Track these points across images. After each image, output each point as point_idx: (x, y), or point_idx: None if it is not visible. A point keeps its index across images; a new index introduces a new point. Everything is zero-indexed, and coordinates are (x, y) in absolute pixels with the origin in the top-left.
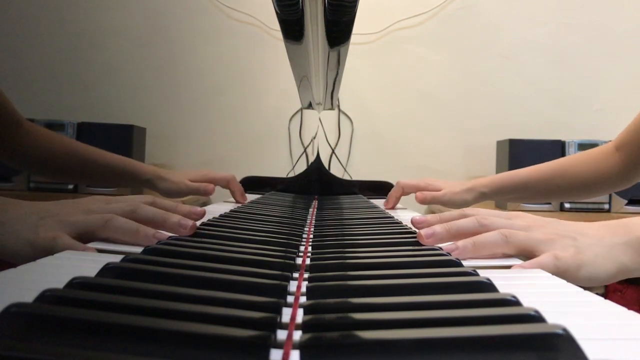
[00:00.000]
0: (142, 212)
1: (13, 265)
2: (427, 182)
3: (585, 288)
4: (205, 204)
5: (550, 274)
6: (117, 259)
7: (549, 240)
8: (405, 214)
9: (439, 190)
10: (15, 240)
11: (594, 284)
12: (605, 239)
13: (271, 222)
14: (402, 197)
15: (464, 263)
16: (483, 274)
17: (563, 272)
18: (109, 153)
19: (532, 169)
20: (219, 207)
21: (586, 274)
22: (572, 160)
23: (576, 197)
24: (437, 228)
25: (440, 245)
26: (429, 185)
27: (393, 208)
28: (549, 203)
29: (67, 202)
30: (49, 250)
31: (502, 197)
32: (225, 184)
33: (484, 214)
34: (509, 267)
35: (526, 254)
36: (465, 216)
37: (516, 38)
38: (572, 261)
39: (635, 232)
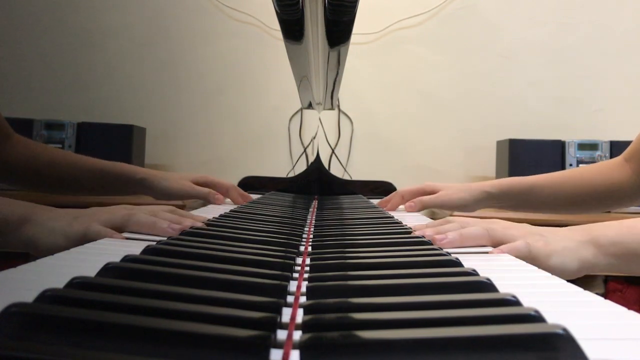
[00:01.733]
0: (162, 215)
1: (13, 265)
2: (427, 184)
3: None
4: (205, 204)
5: (549, 274)
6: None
7: (523, 235)
8: (406, 214)
9: (437, 192)
10: (50, 234)
11: (563, 274)
12: (570, 237)
13: (271, 222)
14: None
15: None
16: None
17: (534, 258)
18: (99, 159)
19: (541, 175)
20: (219, 207)
21: (556, 262)
22: (582, 168)
23: (585, 207)
24: (427, 231)
25: (430, 235)
26: (428, 187)
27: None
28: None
29: (97, 208)
30: (81, 237)
31: (508, 200)
32: (225, 192)
33: (465, 219)
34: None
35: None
36: (449, 222)
37: (516, 38)
38: (543, 250)
39: (594, 232)
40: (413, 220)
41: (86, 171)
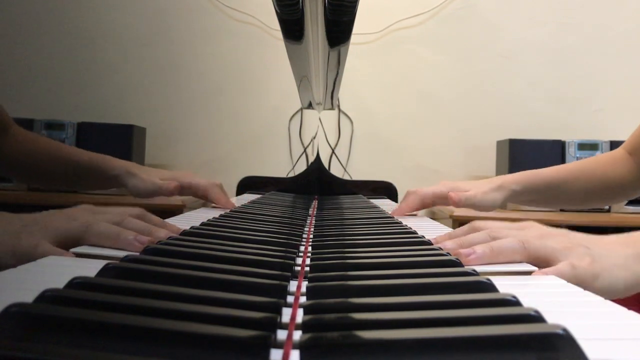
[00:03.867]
0: (128, 223)
1: (13, 265)
2: (448, 185)
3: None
4: (205, 205)
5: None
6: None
7: (565, 248)
8: (405, 215)
9: (466, 192)
10: None
11: (611, 295)
12: (619, 250)
13: (271, 222)
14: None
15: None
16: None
17: (580, 282)
18: (80, 150)
19: (555, 169)
20: (219, 208)
21: (603, 284)
22: (592, 162)
23: (598, 201)
24: (448, 244)
25: (454, 248)
26: (453, 189)
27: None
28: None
29: (54, 211)
30: (29, 257)
31: (527, 197)
32: (204, 192)
33: (495, 226)
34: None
35: (541, 262)
36: (475, 229)
37: (516, 38)
38: (589, 270)
39: None
40: (414, 222)
41: (64, 163)
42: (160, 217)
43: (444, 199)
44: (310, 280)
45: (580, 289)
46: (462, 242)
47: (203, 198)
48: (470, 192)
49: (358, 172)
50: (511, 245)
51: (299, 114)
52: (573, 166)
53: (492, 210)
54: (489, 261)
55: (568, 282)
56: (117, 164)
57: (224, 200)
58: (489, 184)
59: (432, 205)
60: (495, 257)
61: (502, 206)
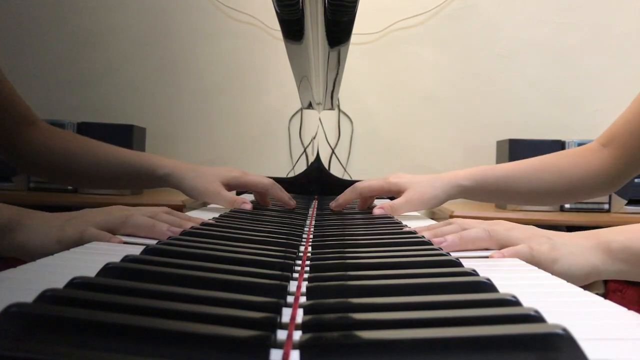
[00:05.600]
0: (161, 217)
1: (13, 265)
2: (389, 181)
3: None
4: (205, 205)
5: (549, 274)
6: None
7: (527, 238)
8: (406, 215)
9: (402, 191)
10: (44, 239)
11: (571, 281)
12: (578, 241)
13: (271, 222)
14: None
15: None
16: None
17: (538, 263)
18: (123, 150)
19: (515, 163)
20: (219, 207)
21: (561, 269)
22: (558, 155)
23: (562, 197)
24: (425, 234)
25: (429, 238)
26: (392, 185)
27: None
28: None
29: (90, 209)
30: (76, 241)
31: (481, 193)
32: (264, 191)
33: (468, 221)
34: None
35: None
36: (449, 224)
37: (516, 38)
38: (547, 255)
39: (603, 238)
40: (414, 222)
41: (107, 164)
42: None
43: (385, 193)
44: (310, 280)
45: (580, 289)
46: (436, 232)
47: (262, 197)
48: (399, 201)
49: (358, 172)
50: (478, 233)
51: (299, 114)
52: (535, 162)
53: (437, 207)
54: (459, 248)
55: (526, 262)
56: (165, 163)
57: (285, 200)
58: (431, 179)
59: (373, 199)
60: (464, 245)
61: (444, 202)
